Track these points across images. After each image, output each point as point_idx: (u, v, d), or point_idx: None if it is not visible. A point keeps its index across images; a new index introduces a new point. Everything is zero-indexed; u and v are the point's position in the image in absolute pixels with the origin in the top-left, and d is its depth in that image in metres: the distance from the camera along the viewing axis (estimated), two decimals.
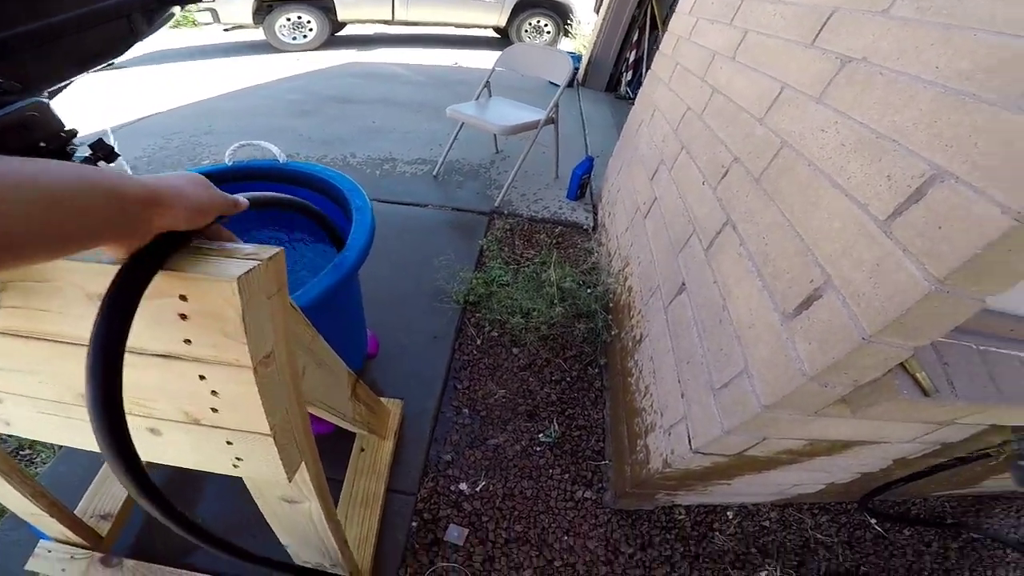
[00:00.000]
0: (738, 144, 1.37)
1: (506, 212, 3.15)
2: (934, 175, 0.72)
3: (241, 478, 0.74)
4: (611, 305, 2.26)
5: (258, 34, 7.01)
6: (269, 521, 0.94)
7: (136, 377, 0.55)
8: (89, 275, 0.50)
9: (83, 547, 1.25)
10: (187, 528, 0.58)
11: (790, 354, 0.96)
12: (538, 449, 1.77)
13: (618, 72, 6.37)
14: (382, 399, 1.66)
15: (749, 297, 1.14)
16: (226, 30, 7.59)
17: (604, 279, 2.45)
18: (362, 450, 1.57)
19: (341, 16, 7.07)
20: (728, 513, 1.68)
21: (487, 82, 3.44)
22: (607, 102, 6.03)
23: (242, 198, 0.59)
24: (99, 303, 0.43)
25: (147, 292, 0.45)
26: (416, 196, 3.25)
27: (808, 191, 1.01)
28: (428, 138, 4.17)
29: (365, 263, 1.30)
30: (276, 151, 1.56)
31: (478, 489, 1.62)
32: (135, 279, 0.45)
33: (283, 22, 6.77)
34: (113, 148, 1.01)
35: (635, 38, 5.93)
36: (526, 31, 8.03)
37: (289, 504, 0.87)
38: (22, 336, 0.57)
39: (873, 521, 1.75)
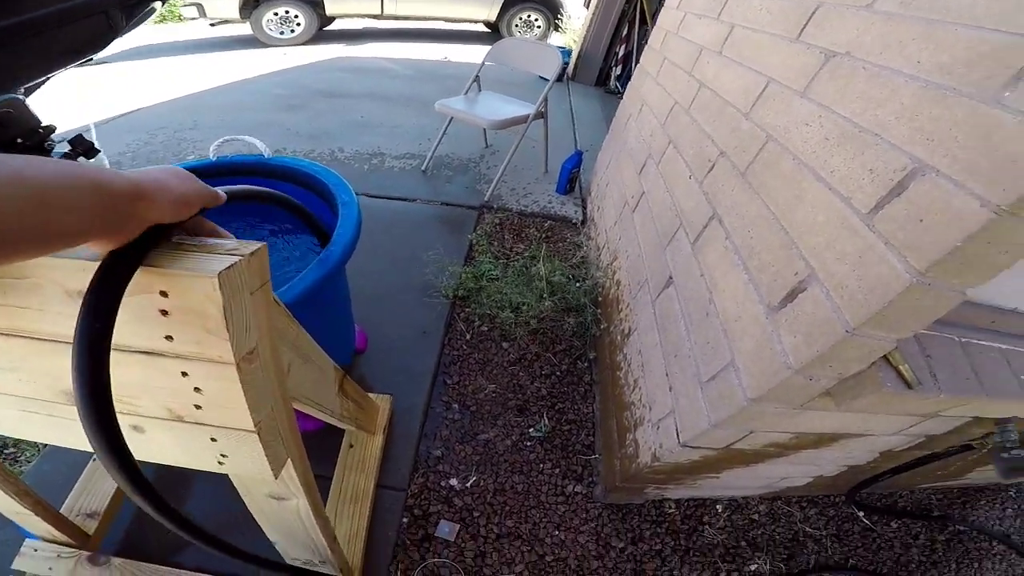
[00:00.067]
0: (724, 138, 1.38)
1: (495, 206, 3.15)
2: (915, 169, 0.73)
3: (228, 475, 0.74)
4: (600, 299, 2.27)
5: (245, 29, 6.95)
6: (257, 518, 0.94)
7: (118, 374, 0.54)
8: (68, 271, 0.49)
9: (70, 546, 1.24)
10: (180, 524, 0.58)
11: (775, 347, 0.96)
12: (528, 444, 1.77)
13: (607, 66, 6.37)
14: (371, 395, 1.65)
15: (735, 290, 1.14)
16: (212, 25, 7.52)
17: (593, 273, 2.45)
18: (351, 446, 1.57)
19: (329, 11, 7.03)
20: (718, 507, 1.69)
21: (476, 76, 3.43)
22: (596, 96, 6.02)
23: (220, 191, 0.59)
24: (79, 300, 0.43)
25: (127, 288, 0.45)
26: (405, 191, 3.24)
27: (793, 185, 1.02)
28: (417, 133, 4.16)
29: (353, 258, 1.30)
30: (261, 146, 1.55)
31: (469, 484, 1.62)
32: (117, 275, 0.44)
33: (270, 17, 6.71)
34: (93, 144, 1.00)
35: (624, 33, 5.94)
36: (516, 26, 8.00)
37: (276, 501, 0.87)
38: (1, 334, 0.57)
39: (861, 514, 1.77)
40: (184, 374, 0.56)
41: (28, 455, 1.57)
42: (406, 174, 3.48)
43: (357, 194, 1.45)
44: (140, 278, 0.47)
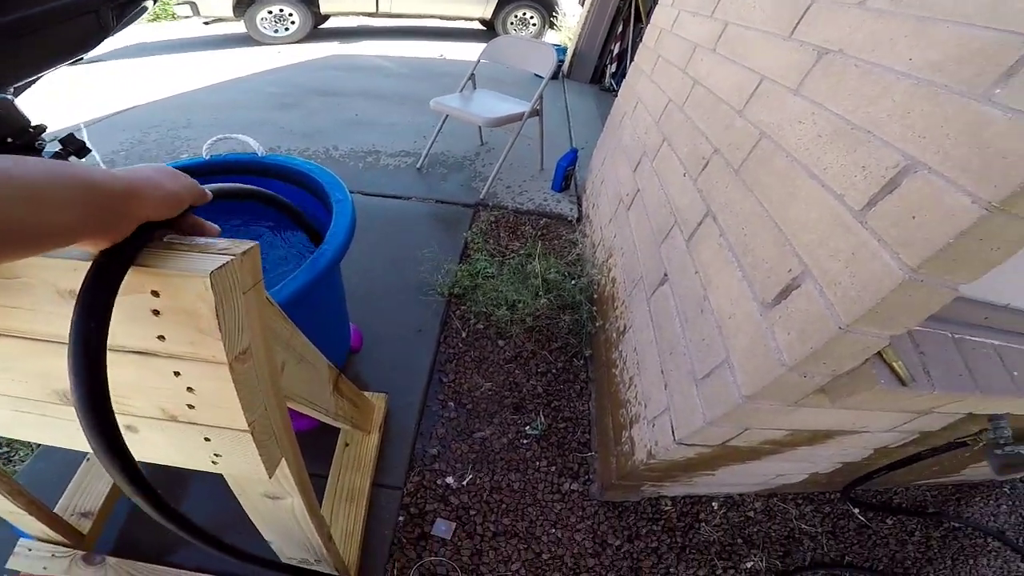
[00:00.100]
0: (718, 136, 1.38)
1: (491, 204, 3.14)
2: (907, 165, 0.73)
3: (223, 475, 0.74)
4: (595, 296, 2.27)
5: (239, 27, 6.90)
6: (252, 518, 0.93)
7: (111, 374, 0.54)
8: (60, 271, 0.49)
9: (64, 545, 1.24)
10: (181, 524, 0.58)
11: (769, 344, 0.96)
12: (525, 442, 1.78)
13: (602, 64, 6.37)
14: (366, 393, 1.65)
15: (729, 287, 1.14)
16: (206, 23, 7.51)
17: (588, 270, 2.45)
18: (346, 445, 1.56)
19: (324, 9, 7.00)
20: (713, 504, 1.69)
21: (472, 74, 3.42)
22: (592, 94, 6.02)
23: (206, 189, 0.59)
24: (71, 299, 0.43)
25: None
26: (400, 189, 3.24)
27: (786, 182, 1.02)
28: (412, 131, 4.15)
29: (347, 256, 1.29)
30: (255, 144, 1.55)
31: (465, 483, 1.62)
32: (110, 273, 0.44)
33: (264, 15, 6.68)
34: (85, 143, 1.00)
35: (619, 30, 5.93)
36: (512, 23, 7.99)
37: (271, 500, 0.87)
38: None
39: (856, 511, 1.77)
40: (177, 374, 0.56)
41: (22, 454, 1.56)
42: (401, 172, 3.47)
43: (352, 192, 1.45)
44: (131, 278, 0.46)
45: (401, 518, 1.50)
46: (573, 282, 2.40)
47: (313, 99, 4.73)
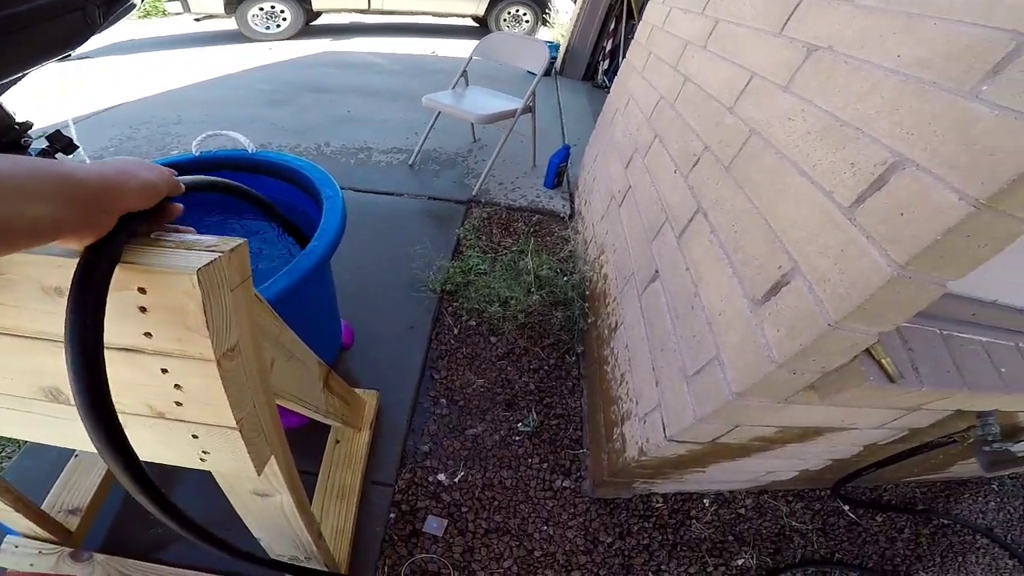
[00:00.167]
0: (709, 132, 1.38)
1: (483, 201, 3.14)
2: (896, 162, 0.73)
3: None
4: (587, 293, 2.27)
5: (230, 24, 6.85)
6: (241, 515, 0.93)
7: None
8: (44, 268, 0.49)
9: (52, 542, 1.23)
10: (181, 522, 0.58)
11: (759, 341, 0.97)
12: (517, 439, 1.78)
13: (595, 61, 6.37)
14: (357, 390, 1.64)
15: (720, 284, 1.14)
16: (197, 20, 7.45)
17: (580, 267, 2.46)
18: (337, 442, 1.56)
19: (316, 5, 6.97)
20: (705, 501, 1.70)
21: (464, 71, 3.42)
22: (584, 91, 6.02)
23: (179, 181, 0.58)
24: (56, 296, 0.42)
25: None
26: (392, 185, 3.23)
27: (776, 179, 1.02)
28: (404, 127, 4.13)
29: (338, 252, 1.29)
30: (244, 141, 1.54)
31: (457, 480, 1.62)
32: (100, 268, 0.44)
33: (256, 11, 6.62)
34: (72, 139, 0.99)
35: (612, 27, 5.93)
36: (505, 20, 7.98)
37: (260, 497, 0.86)
38: None
39: (846, 508, 1.78)
40: (164, 371, 0.56)
41: (8, 451, 1.55)
42: (393, 168, 3.46)
43: (343, 189, 1.44)
44: (118, 274, 0.46)
45: (392, 515, 1.50)
46: (565, 279, 2.41)
47: (304, 96, 4.70)
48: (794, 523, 1.70)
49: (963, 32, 0.67)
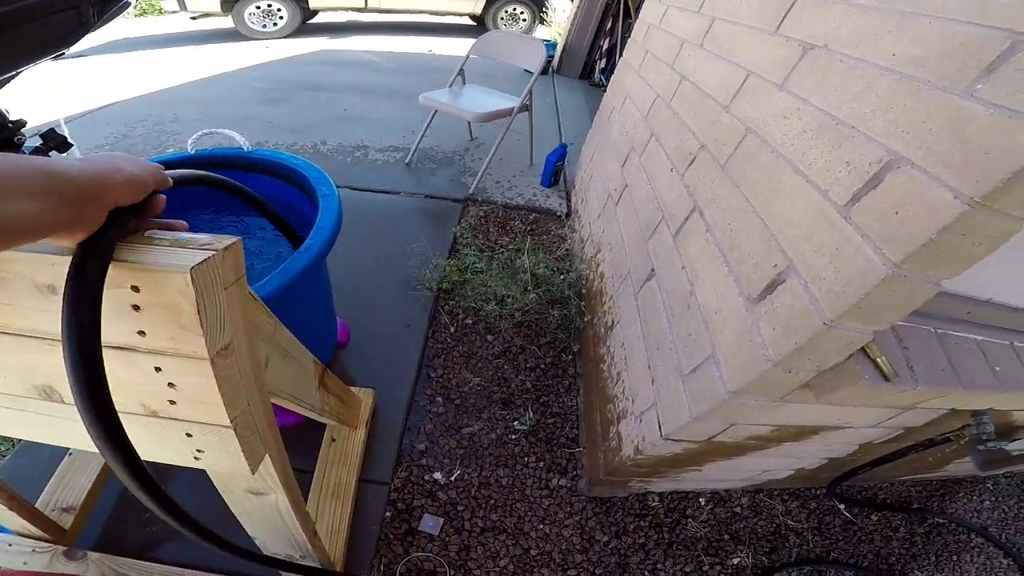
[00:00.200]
0: (705, 131, 1.38)
1: (480, 199, 3.14)
2: (891, 161, 0.73)
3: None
4: (584, 291, 2.27)
5: (226, 22, 6.83)
6: (236, 514, 0.93)
7: None
8: (36, 265, 0.49)
9: (46, 540, 1.23)
10: (181, 520, 0.58)
11: (755, 339, 0.97)
12: (513, 437, 1.77)
13: (592, 59, 6.36)
14: (353, 389, 1.64)
15: (716, 282, 1.14)
16: (193, 18, 7.43)
17: (577, 265, 2.46)
18: (333, 440, 1.56)
19: (313, 4, 6.95)
20: (700, 499, 1.70)
21: (461, 69, 3.41)
22: (581, 89, 6.01)
23: (167, 175, 0.58)
24: (49, 294, 0.42)
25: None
26: (388, 183, 3.22)
27: (772, 177, 1.02)
28: (401, 126, 4.13)
29: (334, 251, 1.29)
30: (240, 139, 1.53)
31: (453, 478, 1.62)
32: (93, 265, 0.44)
33: (252, 10, 6.60)
34: (66, 138, 0.98)
35: (609, 26, 5.92)
36: (502, 19, 7.98)
37: (255, 496, 0.86)
38: None
39: (842, 507, 1.79)
40: (158, 369, 0.56)
41: (2, 449, 1.55)
42: (390, 167, 3.46)
43: (340, 187, 1.44)
44: (111, 273, 0.46)
45: (388, 514, 1.50)
46: (562, 277, 2.40)
47: (301, 94, 4.69)
48: (790, 522, 1.70)
49: (958, 30, 0.67)
